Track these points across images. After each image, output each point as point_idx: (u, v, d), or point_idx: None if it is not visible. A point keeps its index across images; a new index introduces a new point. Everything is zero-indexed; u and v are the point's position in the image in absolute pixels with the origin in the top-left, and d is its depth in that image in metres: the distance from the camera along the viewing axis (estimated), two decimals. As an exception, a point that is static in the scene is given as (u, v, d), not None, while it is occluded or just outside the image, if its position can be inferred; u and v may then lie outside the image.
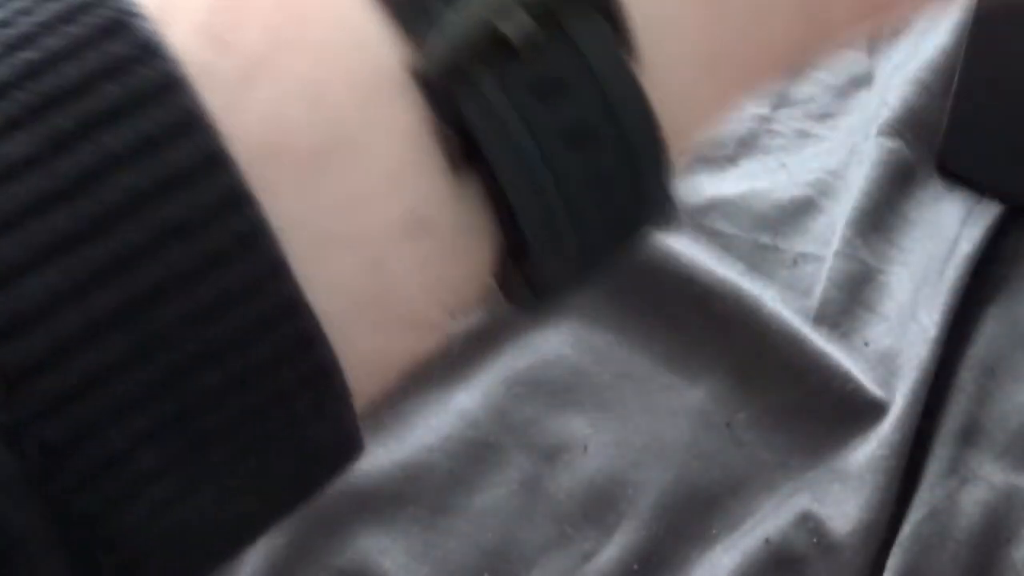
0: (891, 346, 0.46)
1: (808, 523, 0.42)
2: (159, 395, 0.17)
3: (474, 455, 0.43)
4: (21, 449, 0.16)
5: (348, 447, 0.20)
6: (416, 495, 0.42)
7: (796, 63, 0.23)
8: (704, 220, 0.49)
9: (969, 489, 0.43)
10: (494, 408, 0.44)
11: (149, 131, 0.17)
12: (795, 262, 0.49)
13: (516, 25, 0.19)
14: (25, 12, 0.18)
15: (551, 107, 0.19)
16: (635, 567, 0.41)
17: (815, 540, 0.42)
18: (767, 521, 0.42)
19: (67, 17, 0.18)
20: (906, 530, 0.42)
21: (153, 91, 0.17)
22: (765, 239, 0.49)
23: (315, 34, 0.19)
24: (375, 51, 0.19)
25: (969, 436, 0.44)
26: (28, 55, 0.17)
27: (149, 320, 0.17)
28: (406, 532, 0.42)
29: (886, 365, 0.46)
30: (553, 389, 0.45)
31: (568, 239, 0.20)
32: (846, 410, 0.44)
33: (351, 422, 0.19)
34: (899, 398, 0.44)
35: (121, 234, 0.17)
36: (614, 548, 0.42)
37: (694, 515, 0.42)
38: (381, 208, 0.19)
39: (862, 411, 0.44)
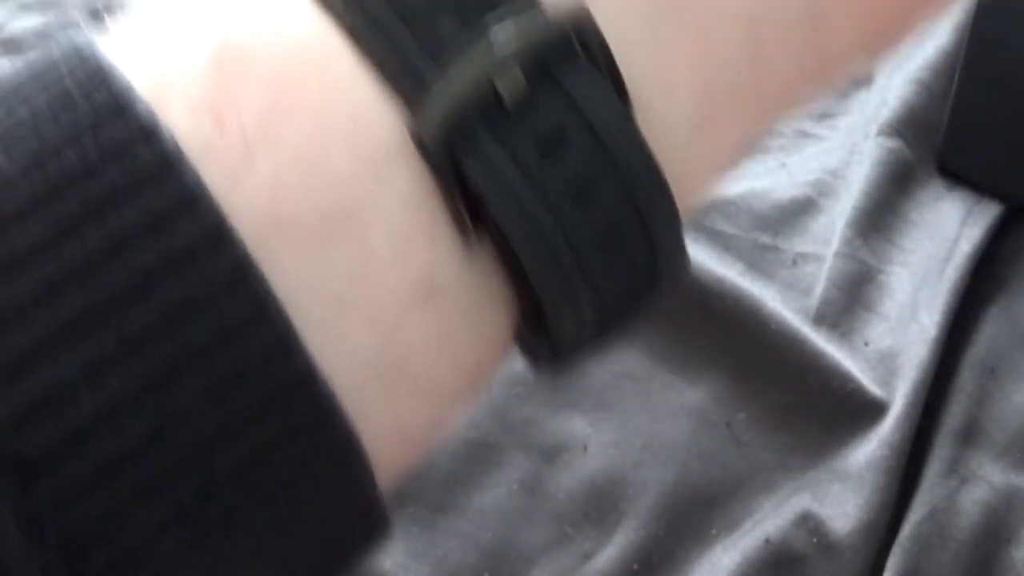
0: (891, 346, 0.46)
1: (808, 523, 0.42)
2: (180, 476, 0.17)
3: (474, 455, 0.43)
4: (42, 540, 0.16)
5: (374, 524, 0.20)
6: (416, 495, 0.42)
7: (794, 103, 0.23)
8: (704, 220, 0.49)
9: (969, 489, 0.42)
10: (494, 408, 0.44)
11: (152, 211, 0.17)
12: (795, 262, 0.48)
13: (510, 82, 0.18)
14: (25, 101, 0.18)
15: (553, 162, 0.19)
16: (635, 567, 0.41)
17: (815, 540, 0.41)
18: (767, 521, 0.42)
19: (66, 104, 0.18)
20: (906, 530, 0.41)
21: (154, 172, 0.17)
22: (765, 239, 0.49)
23: (311, 104, 0.18)
24: (373, 117, 0.19)
25: (969, 436, 0.44)
26: (30, 144, 0.17)
27: (164, 401, 0.17)
28: (406, 532, 0.42)
29: (886, 365, 0.46)
30: (553, 389, 0.45)
31: (583, 297, 0.20)
32: (846, 410, 0.44)
33: (375, 497, 0.19)
34: (899, 398, 0.44)
35: (130, 316, 0.17)
36: (614, 548, 0.42)
37: (694, 515, 0.42)
38: (391, 275, 0.19)
39: (862, 411, 0.44)
